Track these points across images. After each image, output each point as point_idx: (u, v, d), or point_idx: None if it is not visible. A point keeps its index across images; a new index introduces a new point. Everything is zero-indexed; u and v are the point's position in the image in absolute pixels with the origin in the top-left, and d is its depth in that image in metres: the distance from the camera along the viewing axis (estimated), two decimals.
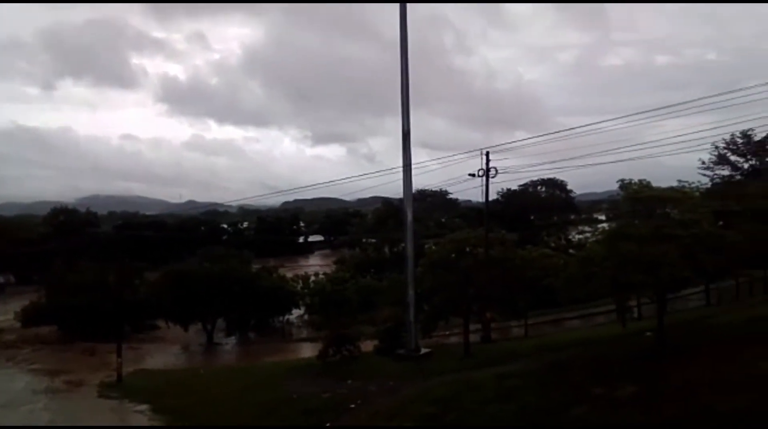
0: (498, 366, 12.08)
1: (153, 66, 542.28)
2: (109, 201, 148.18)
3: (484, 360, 13.39)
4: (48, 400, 14.66)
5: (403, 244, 19.46)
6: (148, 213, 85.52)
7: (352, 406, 11.44)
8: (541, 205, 51.42)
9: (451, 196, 51.68)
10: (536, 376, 10.44)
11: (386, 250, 31.67)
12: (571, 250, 28.35)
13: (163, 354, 19.54)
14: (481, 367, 12.35)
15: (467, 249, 19.48)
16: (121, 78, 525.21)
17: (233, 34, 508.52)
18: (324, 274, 25.66)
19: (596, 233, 14.90)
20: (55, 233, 44.49)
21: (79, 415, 13.32)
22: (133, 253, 27.22)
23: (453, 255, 19.32)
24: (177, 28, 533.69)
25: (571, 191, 54.90)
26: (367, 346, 15.56)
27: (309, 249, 59.91)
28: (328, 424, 10.85)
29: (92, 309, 20.56)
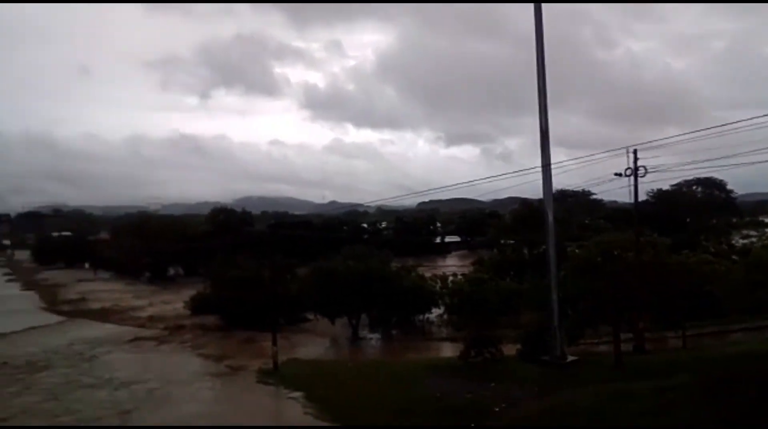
0: (653, 378, 11.43)
1: (295, 74, 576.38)
2: (262, 202, 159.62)
3: (636, 371, 12.71)
4: (213, 382, 16.18)
5: (543, 247, 18.99)
6: (296, 213, 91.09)
7: (497, 409, 11.44)
8: (698, 207, 47.49)
9: (594, 196, 49.38)
10: (699, 391, 9.71)
11: (525, 252, 31.01)
12: (734, 257, 25.95)
13: (313, 345, 20.75)
14: (633, 379, 11.74)
15: (615, 253, 18.55)
16: (267, 87, 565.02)
17: (367, 41, 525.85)
18: (462, 274, 25.66)
19: (763, 237, 13.57)
20: (215, 231, 48.94)
21: (240, 398, 14.62)
22: (285, 251, 29.16)
23: (599, 259, 18.48)
24: (314, 37, 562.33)
25: (731, 191, 50.18)
26: (509, 349, 15.40)
27: (446, 249, 60.18)
28: (472, 425, 10.94)
29: (250, 301, 22.44)
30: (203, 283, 27.28)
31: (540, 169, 15.12)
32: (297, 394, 14.15)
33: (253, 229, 44.66)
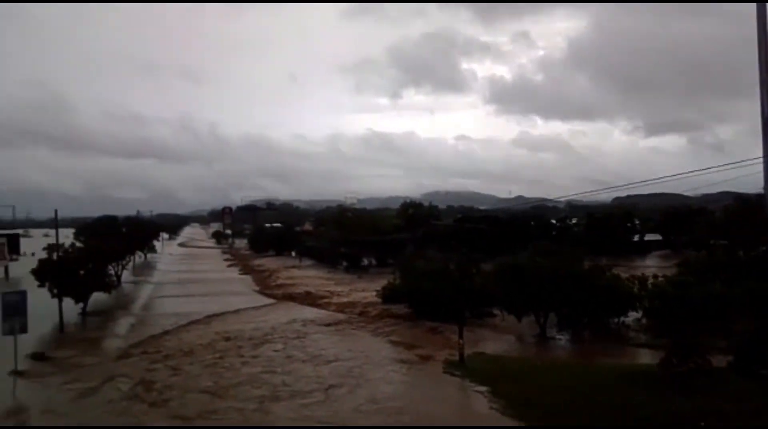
0: None
1: (482, 69, 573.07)
2: (448, 196, 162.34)
3: None
4: (403, 367, 16.98)
5: (763, 247, 16.73)
6: (481, 207, 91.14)
7: (702, 424, 10.47)
8: None
9: None
10: None
11: (740, 253, 27.51)
12: None
13: (498, 341, 20.70)
14: None
15: None
16: (454, 83, 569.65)
17: (557, 29, 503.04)
18: (664, 276, 23.62)
19: None
20: (405, 224, 51.08)
21: (428, 386, 15.18)
22: (470, 245, 29.44)
23: None
24: (502, 30, 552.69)
25: None
26: (717, 361, 13.91)
27: (645, 248, 55.61)
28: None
29: (437, 293, 23.10)
30: (393, 273, 28.63)
31: (761, 159, 13.43)
32: (482, 388, 14.28)
33: (440, 222, 45.71)
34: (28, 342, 16.88)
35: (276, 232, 73.03)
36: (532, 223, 55.00)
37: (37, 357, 17.07)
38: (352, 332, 22.27)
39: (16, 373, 15.36)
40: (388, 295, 26.47)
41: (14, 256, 41.14)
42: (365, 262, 49.32)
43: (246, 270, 49.93)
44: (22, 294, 16.64)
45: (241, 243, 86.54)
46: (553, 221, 61.98)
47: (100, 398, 13.71)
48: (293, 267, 50.44)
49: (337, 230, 51.61)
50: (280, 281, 39.56)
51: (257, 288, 37.39)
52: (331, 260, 50.59)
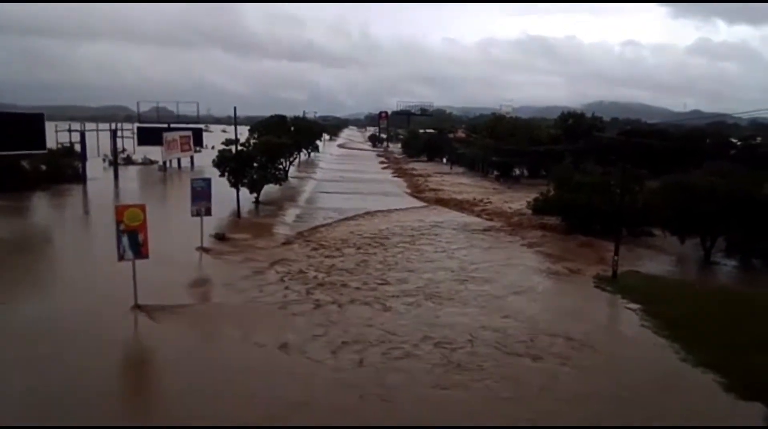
0: None
1: None
2: (613, 107, 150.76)
3: None
4: (549, 278, 16.90)
5: None
6: (650, 121, 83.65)
7: None
8: None
9: None
10: None
11: None
12: None
13: (655, 262, 19.68)
14: None
15: None
16: None
17: None
18: None
19: None
20: (563, 135, 48.67)
21: (576, 297, 15.04)
22: (635, 160, 27.51)
23: None
24: None
25: None
26: None
27: None
28: None
29: (593, 207, 22.21)
30: (547, 185, 27.84)
31: None
32: (634, 306, 13.87)
33: (602, 135, 42.90)
34: (211, 224, 19.09)
35: (429, 138, 73.57)
36: (708, 140, 49.69)
37: (219, 237, 19.32)
38: (499, 239, 22.41)
39: (202, 250, 17.56)
40: (539, 207, 25.96)
41: (198, 148, 45.94)
42: (517, 172, 48.33)
43: (399, 173, 51.38)
44: (208, 181, 18.71)
45: (395, 147, 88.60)
46: (734, 140, 55.49)
47: (269, 276, 15.44)
48: (444, 173, 50.94)
49: (490, 138, 50.67)
50: (431, 185, 40.33)
51: (409, 190, 38.51)
52: (482, 168, 50.22)
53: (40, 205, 27.42)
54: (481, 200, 32.82)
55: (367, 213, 27.19)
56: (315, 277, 15.56)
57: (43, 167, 31.92)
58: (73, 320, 11.45)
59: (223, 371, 9.54)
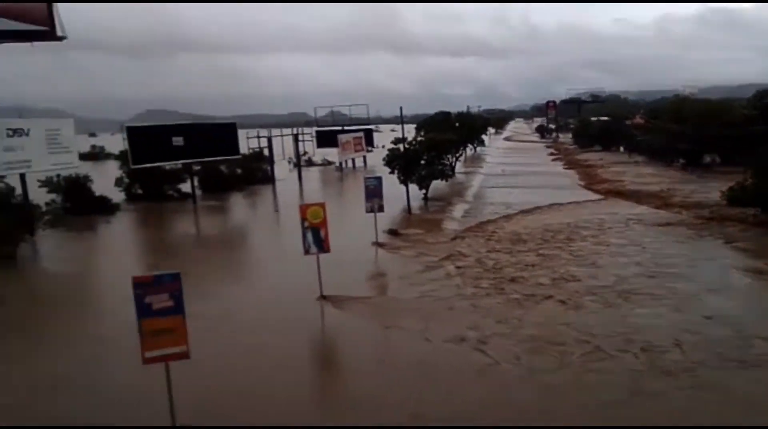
0: None
1: None
2: None
3: None
4: (749, 280, 15.10)
5: None
6: None
7: None
8: None
9: None
10: None
11: None
12: None
13: None
14: None
15: None
16: None
17: None
18: None
19: None
20: (761, 115, 42.97)
21: None
22: None
23: None
24: None
25: None
26: None
27: None
28: None
29: None
30: (744, 172, 24.88)
31: None
32: None
33: None
34: (383, 220, 19.98)
35: (602, 126, 69.21)
36: None
37: (392, 232, 20.19)
38: (686, 234, 20.52)
39: (377, 244, 18.48)
40: (735, 197, 23.27)
41: (369, 148, 48.20)
42: (707, 159, 43.69)
43: (570, 164, 49.23)
44: (379, 179, 19.62)
45: (565, 137, 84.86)
46: None
47: (442, 271, 15.79)
48: (621, 162, 47.72)
49: (673, 123, 46.37)
50: (607, 177, 38.07)
51: (582, 183, 36.77)
52: (665, 156, 46.10)
53: (237, 204, 30.85)
54: (665, 191, 30.29)
55: (538, 207, 26.52)
56: (489, 272, 15.56)
57: (238, 171, 35.81)
58: (270, 308, 12.83)
59: (409, 364, 9.73)
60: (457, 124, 45.40)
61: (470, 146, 54.91)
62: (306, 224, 13.47)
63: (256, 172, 37.99)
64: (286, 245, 18.34)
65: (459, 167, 41.45)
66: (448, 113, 50.82)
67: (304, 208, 13.66)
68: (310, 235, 13.52)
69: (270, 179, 37.34)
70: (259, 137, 41.55)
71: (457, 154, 40.64)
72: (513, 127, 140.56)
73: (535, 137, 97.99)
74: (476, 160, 53.30)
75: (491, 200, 29.35)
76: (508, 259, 16.84)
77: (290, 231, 17.91)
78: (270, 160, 38.79)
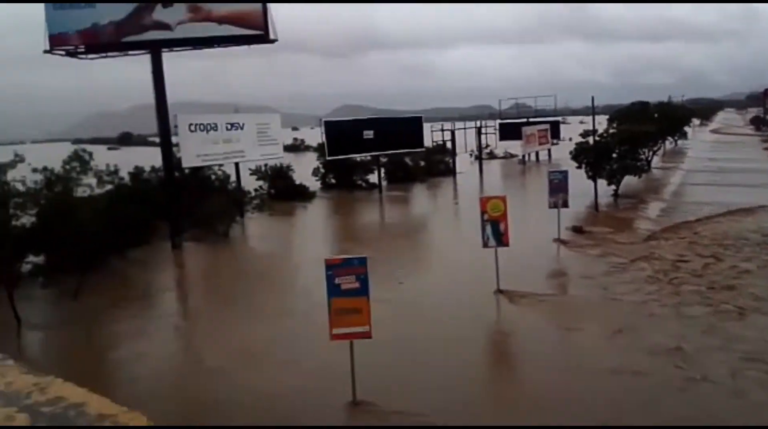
0: None
1: None
2: None
3: None
4: None
5: None
6: None
7: None
8: None
9: None
10: None
11: None
12: None
13: None
14: None
15: None
16: None
17: None
18: None
19: None
20: None
21: None
22: None
23: None
24: None
25: None
26: None
27: None
28: None
29: None
30: None
31: None
32: None
33: None
34: (567, 216, 19.17)
35: None
36: None
37: (576, 230, 19.28)
38: None
39: (559, 241, 17.80)
40: None
41: (555, 141, 46.44)
42: None
43: None
44: (565, 173, 18.83)
45: None
46: None
47: (631, 273, 14.70)
48: None
49: None
50: None
51: None
52: None
53: (419, 195, 31.78)
54: None
55: (750, 208, 23.38)
56: (692, 278, 14.15)
57: (422, 163, 36.77)
58: (447, 298, 13.11)
59: (597, 372, 9.20)
60: (655, 116, 41.66)
61: (670, 139, 50.17)
62: (486, 217, 13.44)
63: (438, 164, 38.72)
64: (464, 237, 18.46)
65: (656, 162, 38.11)
66: (646, 103, 46.83)
67: (484, 201, 13.64)
68: (489, 228, 13.47)
69: (451, 171, 37.81)
70: (443, 130, 42.19)
71: (655, 148, 37.37)
72: (722, 118, 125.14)
73: (749, 130, 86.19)
74: (676, 154, 48.50)
75: (693, 199, 26.54)
76: (715, 266, 15.07)
77: (469, 223, 18.00)
78: (452, 152, 39.25)
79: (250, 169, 29.01)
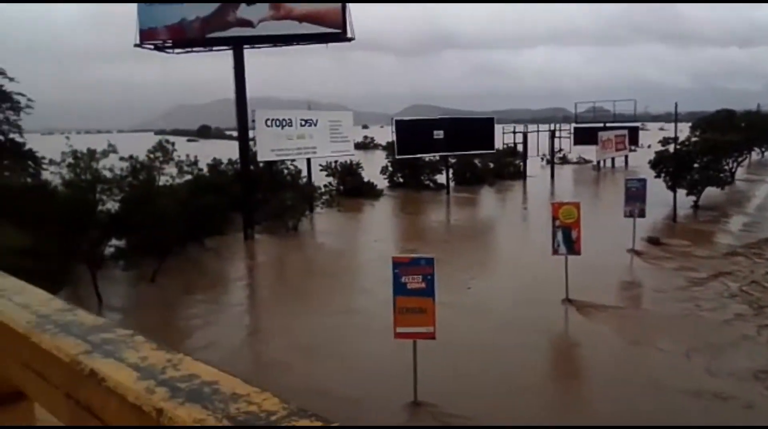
0: None
1: None
2: None
3: None
4: None
5: None
6: None
7: None
8: None
9: None
10: None
11: None
12: None
13: None
14: None
15: None
16: None
17: None
18: None
19: None
20: None
21: None
22: None
23: None
24: None
25: None
26: None
27: None
28: None
29: None
30: None
31: None
32: None
33: None
34: (643, 226, 18.47)
35: None
36: None
37: (652, 241, 18.55)
38: None
39: (633, 252, 17.19)
40: None
41: (633, 148, 44.75)
42: None
43: None
44: (643, 182, 18.15)
45: None
46: None
47: (710, 289, 14.00)
48: None
49: None
50: None
51: None
52: None
53: (487, 198, 31.45)
54: None
55: None
56: (754, 295, 13.39)
57: (491, 165, 36.33)
58: (513, 304, 12.93)
59: (663, 389, 8.82)
60: (742, 125, 39.43)
61: (757, 150, 47.33)
62: (557, 223, 13.15)
63: (508, 167, 38.13)
64: (532, 242, 18.14)
65: (740, 173, 36.06)
66: (732, 112, 44.43)
67: (556, 207, 13.36)
68: (560, 235, 13.18)
69: (521, 175, 37.16)
70: (514, 133, 41.48)
71: (740, 159, 35.37)
72: None
73: None
74: (763, 166, 45.70)
75: None
76: None
77: (538, 228, 17.68)
78: (523, 155, 38.56)
79: (320, 165, 29.57)
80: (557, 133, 44.54)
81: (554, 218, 13.17)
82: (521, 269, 15.88)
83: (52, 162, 15.98)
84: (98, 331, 1.27)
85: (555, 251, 13.21)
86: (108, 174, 14.78)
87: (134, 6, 21.86)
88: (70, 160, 14.70)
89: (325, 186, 27.20)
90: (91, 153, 14.94)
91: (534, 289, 13.74)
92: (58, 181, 14.81)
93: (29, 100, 23.26)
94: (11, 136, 23.44)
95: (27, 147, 23.08)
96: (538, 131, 44.48)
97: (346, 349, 10.61)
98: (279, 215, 21.19)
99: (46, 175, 17.94)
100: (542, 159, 43.81)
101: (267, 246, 19.94)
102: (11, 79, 22.94)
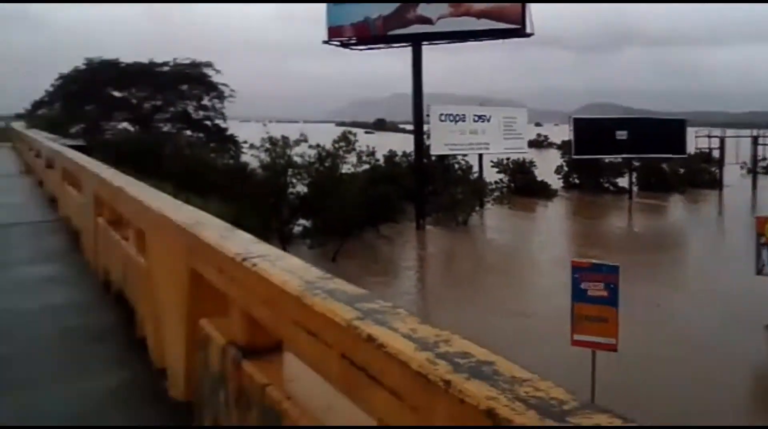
0: None
1: None
2: None
3: None
4: None
5: None
6: None
7: None
8: None
9: None
10: None
11: None
12: None
13: None
14: None
15: None
16: None
17: None
18: None
19: None
20: None
21: None
22: None
23: None
24: None
25: None
26: None
27: None
28: None
29: None
30: None
31: None
32: None
33: None
34: None
35: None
36: None
37: None
38: None
39: None
40: None
41: None
42: None
43: None
44: None
45: None
46: None
47: None
48: None
49: None
50: None
51: None
52: None
53: (677, 207, 28.76)
54: None
55: None
56: None
57: (680, 171, 33.15)
58: (705, 324, 11.68)
59: None
60: None
61: None
62: (763, 240, 11.65)
63: (701, 174, 34.46)
64: (729, 259, 16.24)
65: None
66: None
67: (762, 221, 11.83)
68: (765, 253, 11.66)
69: (717, 183, 33.35)
70: (709, 137, 37.32)
71: None
72: None
73: None
74: None
75: None
76: None
77: (736, 244, 15.80)
78: (719, 162, 34.60)
79: (491, 162, 29.22)
80: (761, 139, 39.32)
81: (759, 234, 11.69)
82: (717, 288, 14.22)
83: (252, 146, 17.73)
84: (363, 301, 1.36)
85: (759, 271, 11.72)
86: (299, 160, 16.05)
87: (320, 5, 23.42)
88: (267, 145, 16.25)
89: (495, 182, 26.85)
90: (286, 140, 16.36)
91: (731, 311, 12.23)
92: (256, 163, 16.41)
93: (232, 90, 26.03)
94: (217, 121, 26.42)
95: (229, 132, 25.85)
96: (738, 136, 39.65)
97: (519, 351, 10.38)
98: (449, 208, 21.38)
99: (244, 158, 19.99)
100: (742, 167, 38.98)
101: (437, 237, 20.24)
102: (218, 71, 25.83)
